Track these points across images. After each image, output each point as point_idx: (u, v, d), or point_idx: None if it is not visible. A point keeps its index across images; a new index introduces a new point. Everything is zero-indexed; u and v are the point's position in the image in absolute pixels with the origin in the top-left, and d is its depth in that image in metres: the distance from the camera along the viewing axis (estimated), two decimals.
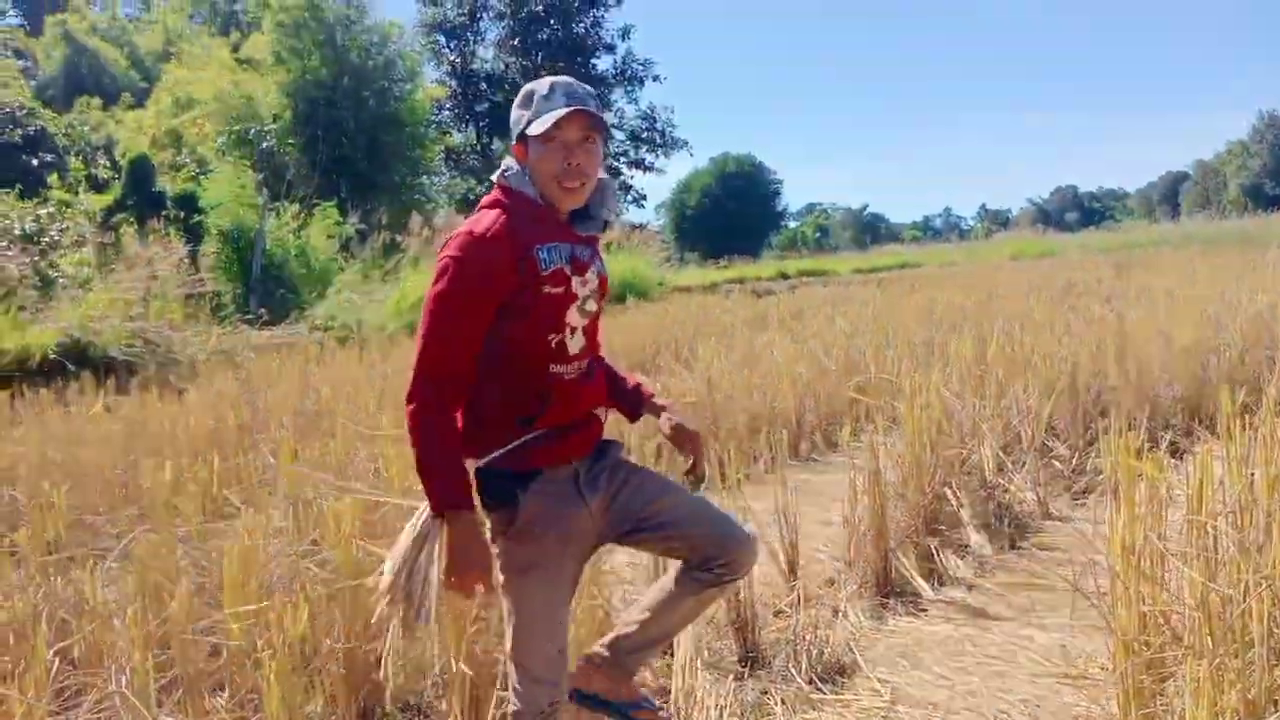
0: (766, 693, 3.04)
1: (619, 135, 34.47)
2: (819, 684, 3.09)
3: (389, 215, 18.08)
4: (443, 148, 29.04)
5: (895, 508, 4.15)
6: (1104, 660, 3.05)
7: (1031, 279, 15.81)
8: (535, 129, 2.06)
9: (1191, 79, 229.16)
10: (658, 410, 2.40)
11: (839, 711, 2.93)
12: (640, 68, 33.56)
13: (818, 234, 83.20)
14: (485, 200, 2.15)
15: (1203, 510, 2.13)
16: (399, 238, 16.67)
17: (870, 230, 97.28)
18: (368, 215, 17.89)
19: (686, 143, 35.10)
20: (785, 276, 31.17)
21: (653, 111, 34.84)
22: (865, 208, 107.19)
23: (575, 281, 2.09)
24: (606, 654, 2.37)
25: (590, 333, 2.18)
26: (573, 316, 2.10)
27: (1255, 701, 1.80)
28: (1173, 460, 5.27)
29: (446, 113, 31.59)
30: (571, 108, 2.06)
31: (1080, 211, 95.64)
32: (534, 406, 2.07)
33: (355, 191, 20.72)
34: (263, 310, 13.96)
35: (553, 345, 2.08)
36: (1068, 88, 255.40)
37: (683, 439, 2.37)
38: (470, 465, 2.06)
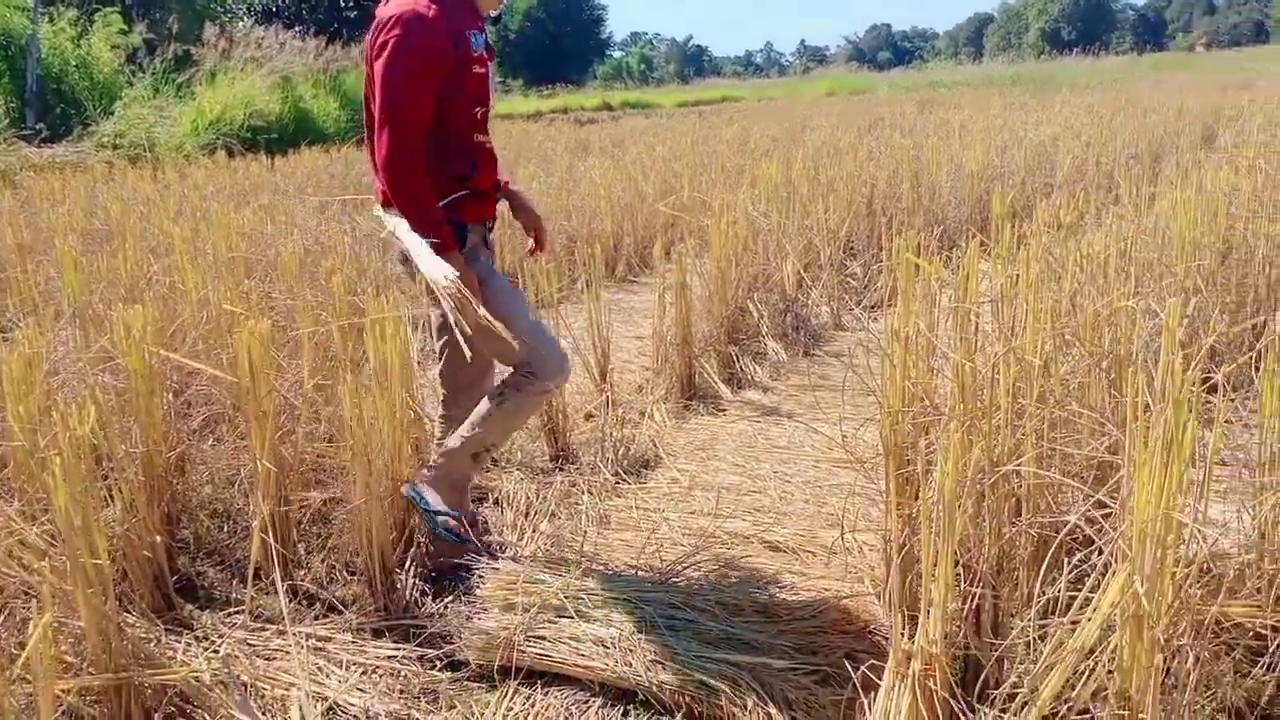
0: (575, 485, 3.19)
1: None
2: (624, 475, 3.27)
3: (180, 25, 16.44)
4: None
5: (701, 319, 4.33)
6: (878, 445, 3.36)
7: (843, 113, 16.22)
8: None
9: None
10: (512, 196, 2.77)
11: (641, 497, 3.12)
12: None
13: (643, 66, 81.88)
14: None
15: (967, 299, 2.33)
16: (193, 50, 15.28)
17: (694, 63, 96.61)
18: (156, 25, 16.23)
19: None
20: (609, 108, 30.75)
21: None
22: (689, 39, 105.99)
23: (490, 65, 2.50)
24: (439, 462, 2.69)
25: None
26: (489, 94, 2.51)
27: (998, 459, 2.04)
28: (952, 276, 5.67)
29: None
30: None
31: (893, 51, 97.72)
32: (466, 168, 2.47)
33: None
34: (41, 126, 12.67)
35: (477, 117, 2.48)
36: None
37: (529, 221, 2.78)
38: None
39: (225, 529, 3.04)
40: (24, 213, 6.95)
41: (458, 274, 2.28)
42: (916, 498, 2.25)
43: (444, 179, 2.43)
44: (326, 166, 10.22)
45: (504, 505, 3.06)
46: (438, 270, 2.29)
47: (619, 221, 6.81)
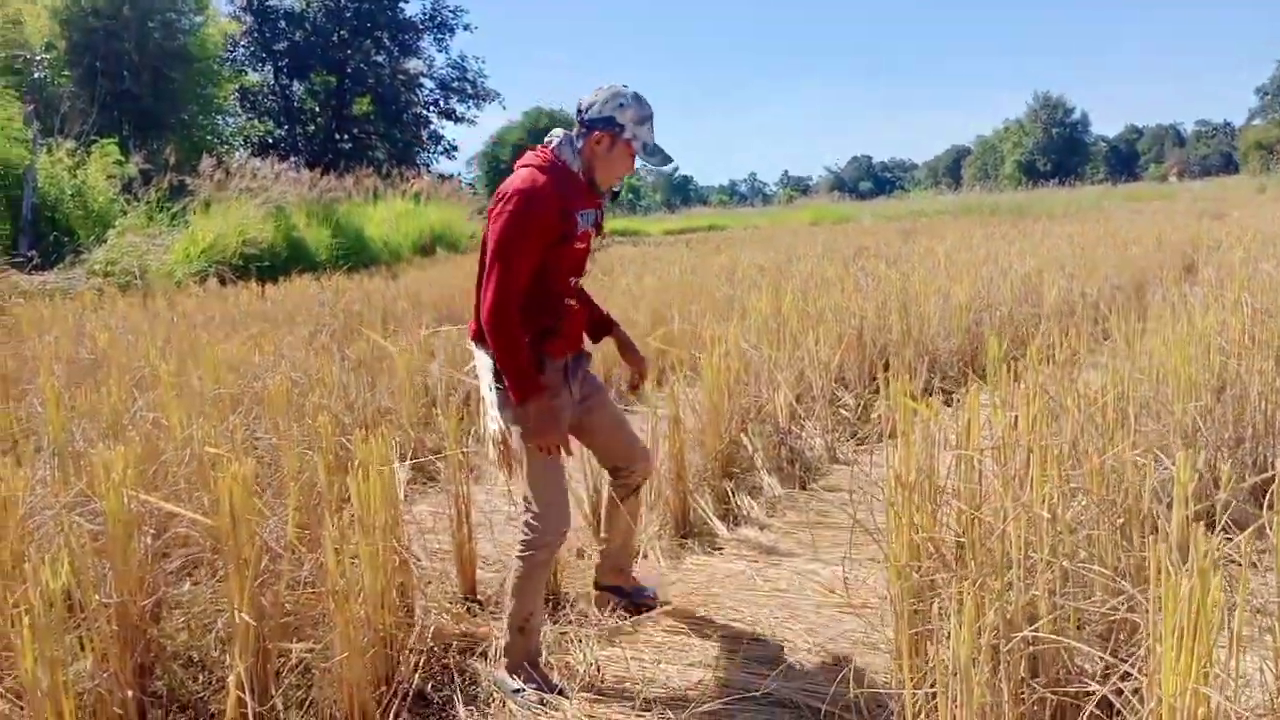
0: (565, 634, 3.07)
1: (428, 84, 33.42)
2: (619, 622, 3.14)
3: (177, 155, 16.75)
4: (237, 87, 27.32)
5: (694, 453, 4.26)
6: (881, 590, 3.26)
7: (828, 242, 16.53)
8: (635, 145, 2.71)
9: (977, 61, 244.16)
10: (618, 336, 3.11)
11: (636, 648, 2.99)
12: (451, 15, 32.62)
13: (630, 195, 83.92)
14: (533, 160, 2.70)
15: (970, 446, 2.28)
16: (188, 179, 15.55)
17: (680, 192, 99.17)
18: (154, 155, 16.56)
19: (499, 95, 34.46)
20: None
21: (463, 61, 34.00)
22: (675, 170, 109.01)
23: (592, 239, 2.80)
24: (604, 563, 3.23)
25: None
26: (585, 264, 2.84)
27: (1013, 619, 1.95)
28: (946, 408, 5.65)
29: (242, 50, 29.68)
30: (671, 165, 2.86)
31: (873, 180, 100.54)
32: (551, 323, 2.76)
33: (139, 130, 19.20)
34: (33, 254, 12.76)
35: (570, 284, 2.79)
36: (867, 63, 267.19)
37: (633, 362, 3.12)
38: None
39: (200, 680, 2.89)
40: (9, 341, 6.91)
41: (504, 429, 2.72)
42: (925, 651, 2.15)
43: (533, 328, 2.71)
44: (317, 294, 10.27)
45: (493, 657, 2.93)
46: (490, 423, 2.74)
47: (609, 351, 6.80)
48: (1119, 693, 1.68)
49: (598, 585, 3.28)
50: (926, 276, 7.72)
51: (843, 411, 5.60)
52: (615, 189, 2.86)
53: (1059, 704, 1.79)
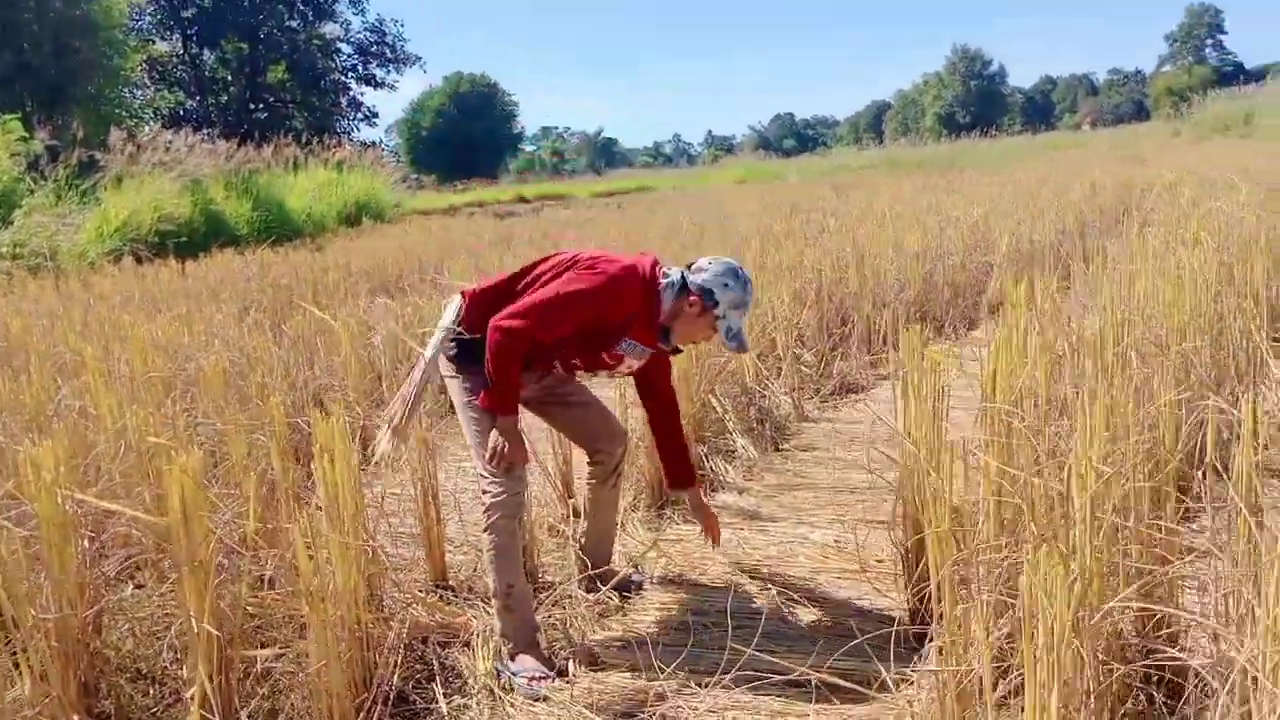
0: (549, 615, 2.86)
1: (345, 49, 32.38)
2: (604, 600, 2.94)
3: (85, 130, 15.86)
4: (145, 57, 26.12)
5: None
6: (878, 553, 3.11)
7: (761, 199, 16.39)
8: (720, 324, 2.73)
9: (894, 14, 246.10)
10: (693, 496, 3.12)
11: (630, 629, 2.80)
12: None
13: (555, 159, 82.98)
14: (646, 271, 2.71)
15: (996, 398, 2.12)
16: (97, 155, 14.75)
17: (605, 155, 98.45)
18: (60, 130, 15.66)
19: (419, 58, 33.56)
20: (525, 200, 30.76)
21: (381, 24, 32.98)
22: (600, 132, 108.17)
23: (625, 366, 2.85)
24: (586, 558, 3.11)
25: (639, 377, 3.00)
26: (598, 370, 2.89)
27: (1083, 588, 1.77)
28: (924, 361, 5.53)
29: (148, 18, 28.37)
30: (745, 351, 2.99)
31: (796, 138, 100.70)
32: (537, 366, 2.83)
33: (43, 104, 18.19)
34: None
35: (571, 364, 2.85)
36: (784, 19, 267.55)
37: (700, 515, 3.12)
38: (459, 333, 2.79)
39: (151, 694, 2.63)
40: None
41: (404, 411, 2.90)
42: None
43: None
44: (241, 269, 9.81)
45: (475, 648, 2.71)
46: (400, 397, 2.93)
47: None
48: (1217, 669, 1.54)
49: (581, 570, 3.10)
50: (875, 230, 7.61)
51: (804, 369, 5.47)
52: (680, 348, 2.89)
53: (1128, 681, 1.64)
